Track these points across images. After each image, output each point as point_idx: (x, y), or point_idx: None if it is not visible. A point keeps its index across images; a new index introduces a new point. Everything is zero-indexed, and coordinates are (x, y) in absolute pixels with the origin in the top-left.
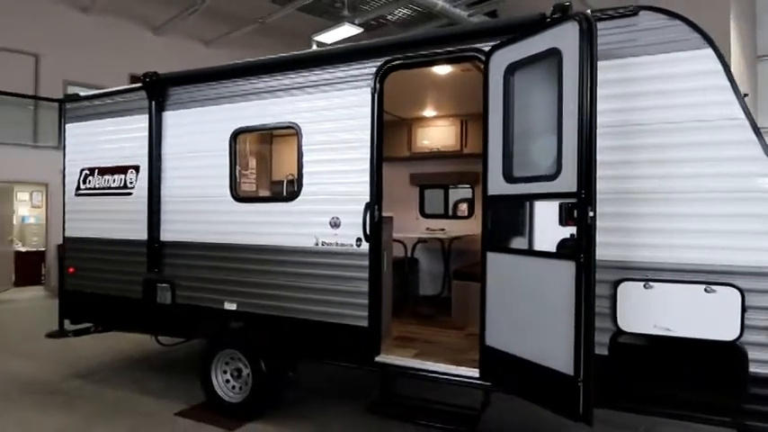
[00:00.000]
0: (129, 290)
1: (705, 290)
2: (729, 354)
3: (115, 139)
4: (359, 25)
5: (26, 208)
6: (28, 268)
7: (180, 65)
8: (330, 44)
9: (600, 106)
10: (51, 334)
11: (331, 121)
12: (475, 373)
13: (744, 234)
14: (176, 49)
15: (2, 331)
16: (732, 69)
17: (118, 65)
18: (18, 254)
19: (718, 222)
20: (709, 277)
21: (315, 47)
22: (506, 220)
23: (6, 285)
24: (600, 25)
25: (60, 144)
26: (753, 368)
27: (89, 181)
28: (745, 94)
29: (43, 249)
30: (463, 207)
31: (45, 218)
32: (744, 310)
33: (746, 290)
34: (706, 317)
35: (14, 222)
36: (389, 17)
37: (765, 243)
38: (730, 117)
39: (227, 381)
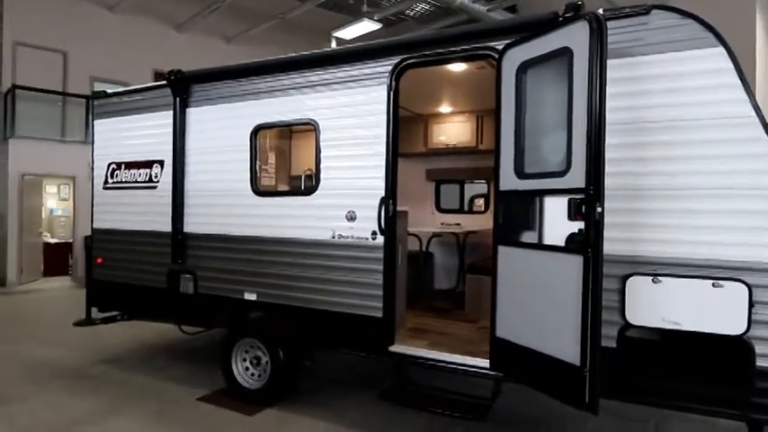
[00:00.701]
0: (153, 280)
1: (713, 285)
2: (736, 348)
3: (141, 134)
4: (378, 21)
5: (54, 200)
6: (56, 259)
7: (201, 61)
8: (349, 40)
9: (610, 104)
10: (78, 322)
11: (348, 117)
12: (486, 363)
13: (752, 230)
14: (198, 46)
15: (32, 320)
16: (757, 62)
17: (142, 61)
18: (47, 245)
19: (726, 219)
20: (716, 272)
21: (334, 43)
22: (517, 214)
23: (36, 276)
24: (611, 24)
25: (87, 139)
26: (760, 362)
27: (116, 175)
28: None
29: (71, 241)
30: (479, 202)
31: (72, 210)
32: (751, 305)
33: (754, 285)
34: (713, 311)
35: (43, 215)
36: (408, 12)
37: None
38: (741, 115)
39: (247, 368)
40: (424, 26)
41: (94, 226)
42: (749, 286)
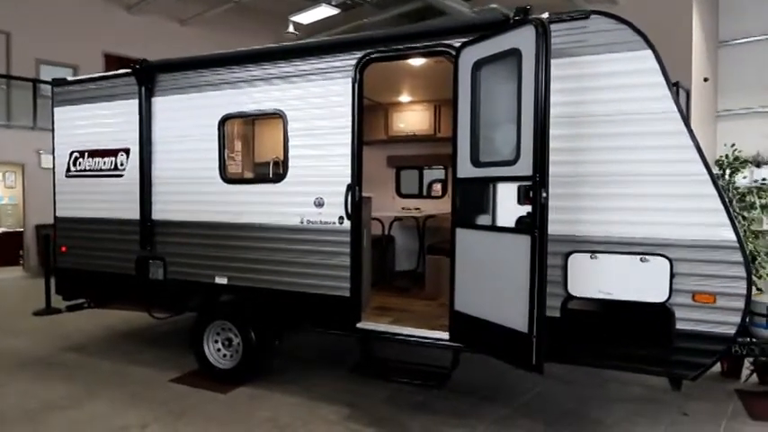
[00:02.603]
0: (121, 267)
1: (641, 260)
2: (660, 314)
3: (105, 123)
4: (335, 6)
5: None
6: (5, 249)
7: (154, 44)
8: (306, 25)
9: (554, 99)
10: (39, 312)
11: (315, 108)
12: (445, 335)
13: (673, 212)
14: (151, 28)
15: None
16: (694, 55)
17: (91, 44)
18: None
19: (652, 202)
20: (644, 249)
21: (291, 27)
22: (473, 199)
23: None
24: (555, 27)
25: (36, 124)
26: (679, 325)
27: (79, 163)
28: (706, 79)
29: (20, 230)
30: (437, 187)
31: (22, 199)
32: (672, 276)
33: (674, 259)
34: (641, 282)
35: None
36: None
37: (691, 219)
38: (665, 110)
39: (219, 349)
40: (382, 11)
41: (58, 214)
42: (671, 260)
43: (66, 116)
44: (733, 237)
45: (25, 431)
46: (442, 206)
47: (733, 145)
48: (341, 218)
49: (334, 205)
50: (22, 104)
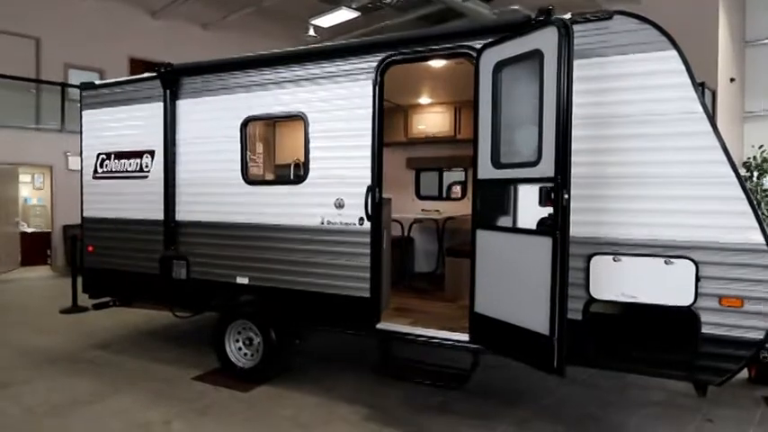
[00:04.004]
0: (146, 266)
1: (665, 262)
2: (685, 318)
3: (131, 125)
4: (356, 9)
5: (28, 190)
6: (33, 249)
7: (178, 48)
8: (327, 28)
9: (576, 100)
10: (65, 310)
11: (336, 110)
12: (465, 337)
13: (699, 213)
14: (174, 33)
15: (15, 309)
16: (720, 55)
17: (117, 48)
18: (23, 234)
19: (677, 203)
20: (668, 251)
21: (312, 31)
22: (494, 201)
23: (14, 265)
24: (577, 27)
25: (64, 127)
26: (704, 329)
27: (106, 165)
28: (732, 79)
29: (48, 231)
30: (457, 189)
31: (50, 200)
32: (698, 279)
33: (700, 262)
34: (665, 286)
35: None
36: (386, 0)
37: (718, 221)
38: (690, 111)
39: (240, 348)
40: (402, 14)
41: (85, 215)
42: (696, 263)
43: (93, 119)
44: (762, 239)
45: (52, 425)
46: (462, 208)
47: (761, 146)
48: (361, 219)
49: (354, 206)
50: (51, 108)
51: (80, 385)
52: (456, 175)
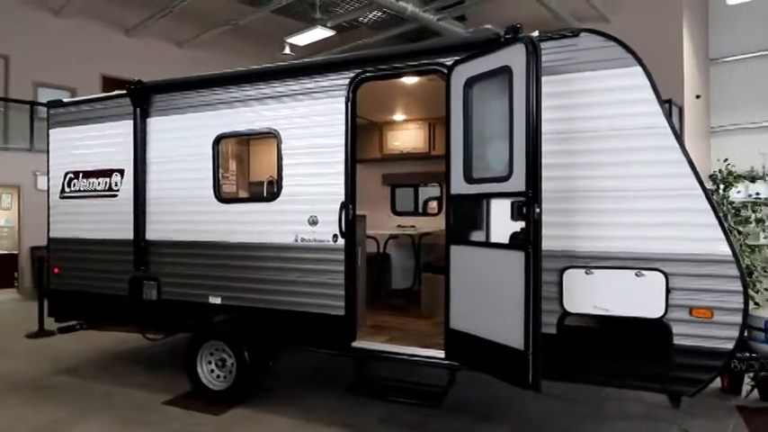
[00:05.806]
0: (115, 287)
1: (636, 274)
2: (657, 329)
3: (99, 143)
4: (331, 28)
5: None
6: None
7: (152, 66)
8: (302, 46)
9: (546, 115)
10: (31, 334)
11: (308, 127)
12: (441, 353)
13: (667, 226)
14: (148, 51)
15: None
16: (685, 72)
17: (89, 66)
18: None
19: (645, 216)
20: (639, 263)
21: (287, 49)
22: (467, 216)
23: None
24: (545, 45)
25: (33, 146)
26: (676, 341)
27: (74, 184)
28: (698, 96)
29: (15, 252)
30: (433, 204)
31: (18, 220)
32: (668, 291)
33: (670, 274)
34: (637, 298)
35: None
36: (362, 20)
37: (685, 233)
38: (655, 125)
39: (212, 370)
40: (377, 33)
41: (51, 236)
42: (666, 275)
43: (60, 137)
44: (728, 251)
45: None
46: (439, 223)
47: (726, 160)
48: (335, 236)
49: (328, 223)
50: (19, 126)
51: (44, 413)
52: (432, 190)
